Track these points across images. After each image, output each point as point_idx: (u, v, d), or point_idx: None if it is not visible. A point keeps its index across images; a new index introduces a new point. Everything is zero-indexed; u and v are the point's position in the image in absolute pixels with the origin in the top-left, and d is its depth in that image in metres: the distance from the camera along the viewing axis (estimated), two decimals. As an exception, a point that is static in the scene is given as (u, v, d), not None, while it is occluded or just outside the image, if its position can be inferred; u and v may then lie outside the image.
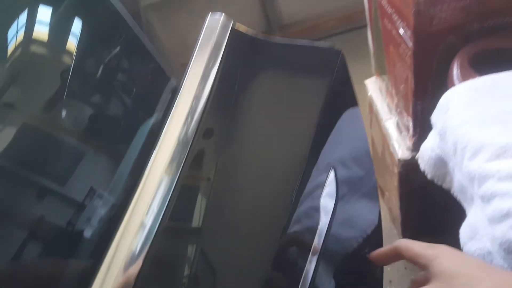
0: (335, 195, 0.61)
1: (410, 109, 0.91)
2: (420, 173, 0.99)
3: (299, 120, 0.59)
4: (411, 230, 1.15)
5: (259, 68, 0.58)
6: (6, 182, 0.38)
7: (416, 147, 0.95)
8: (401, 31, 0.83)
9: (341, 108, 0.67)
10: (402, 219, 1.12)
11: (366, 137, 0.71)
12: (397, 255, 0.46)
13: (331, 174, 0.59)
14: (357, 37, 1.39)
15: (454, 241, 0.77)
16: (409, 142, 0.97)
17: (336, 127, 0.64)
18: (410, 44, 0.80)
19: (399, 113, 1.00)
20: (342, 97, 0.65)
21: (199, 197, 0.46)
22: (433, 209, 1.08)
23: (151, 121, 0.49)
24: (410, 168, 0.99)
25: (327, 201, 0.59)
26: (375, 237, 0.71)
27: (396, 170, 1.01)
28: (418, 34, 0.78)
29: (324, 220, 0.58)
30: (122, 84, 0.53)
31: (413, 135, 0.94)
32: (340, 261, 0.63)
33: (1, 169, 0.38)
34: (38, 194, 0.39)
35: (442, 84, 0.82)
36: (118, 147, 0.47)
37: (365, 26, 1.16)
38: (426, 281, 0.41)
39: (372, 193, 0.73)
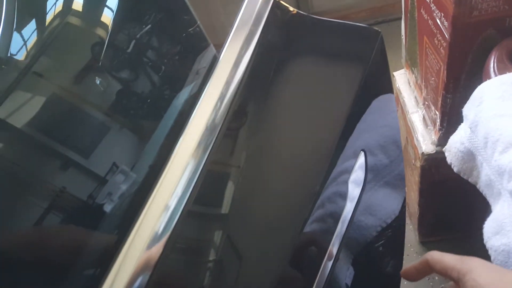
0: (362, 181, 0.60)
1: (439, 103, 0.89)
2: (442, 168, 0.98)
3: (333, 104, 0.58)
4: (427, 226, 1.14)
5: (297, 48, 0.57)
6: (32, 150, 0.39)
7: (441, 141, 0.94)
8: (439, 21, 0.81)
9: (375, 93, 0.66)
10: (420, 214, 1.11)
11: (397, 125, 0.70)
12: (427, 269, 0.45)
13: (361, 159, 0.58)
14: (387, 30, 1.37)
15: (471, 239, 0.76)
16: (434, 136, 0.96)
17: (367, 112, 0.63)
18: (447, 35, 0.79)
19: (427, 107, 0.98)
20: (378, 81, 0.64)
21: (226, 183, 0.46)
22: (452, 206, 1.07)
23: (181, 102, 0.49)
24: (433, 163, 0.97)
25: (353, 186, 0.59)
26: (395, 228, 0.70)
27: (418, 164, 1.00)
28: (456, 25, 0.76)
29: (348, 207, 0.57)
30: (155, 62, 0.53)
31: (440, 129, 0.92)
32: (359, 249, 0.62)
33: (28, 137, 0.38)
34: (63, 165, 0.39)
35: (475, 78, 0.80)
36: (147, 126, 0.47)
37: (395, 19, 1.14)
38: None
39: (396, 182, 0.72)
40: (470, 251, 0.44)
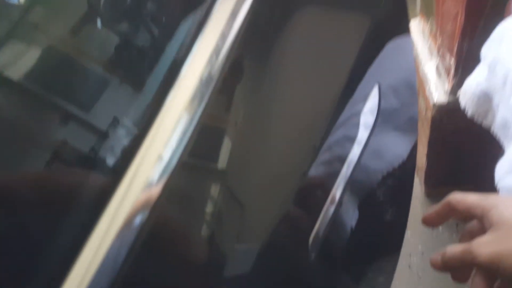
0: (372, 124, 0.58)
1: (455, 49, 0.86)
2: (453, 119, 0.96)
3: (342, 50, 0.56)
4: (434, 178, 1.13)
5: None
6: (30, 103, 0.38)
7: (454, 90, 0.92)
8: (459, -39, 0.77)
9: (390, 35, 0.63)
10: (427, 167, 1.10)
11: (413, 68, 0.68)
12: (449, 211, 0.44)
13: (372, 99, 0.56)
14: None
15: (478, 192, 0.75)
16: (447, 86, 0.94)
17: (380, 55, 0.61)
18: (467, -25, 0.75)
19: (442, 55, 0.95)
20: (394, 23, 0.61)
21: (223, 137, 0.45)
22: (461, 158, 1.06)
23: (174, 54, 0.47)
24: (444, 113, 0.95)
25: (362, 129, 0.57)
26: (402, 173, 0.70)
27: (429, 114, 0.98)
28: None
29: (355, 149, 0.56)
30: (150, 11, 0.50)
31: (454, 77, 0.90)
32: (364, 193, 0.61)
33: (25, 90, 0.37)
34: (62, 119, 0.39)
35: (494, 21, 0.77)
36: (140, 76, 0.45)
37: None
38: (480, 231, 0.40)
39: (406, 127, 0.70)
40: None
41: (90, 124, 0.40)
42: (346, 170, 0.55)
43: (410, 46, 0.68)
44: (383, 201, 0.65)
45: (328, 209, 0.52)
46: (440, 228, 1.09)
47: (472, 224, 0.44)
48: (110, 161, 0.39)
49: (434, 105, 0.96)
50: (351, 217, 0.59)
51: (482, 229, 0.40)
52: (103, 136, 0.39)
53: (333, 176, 0.53)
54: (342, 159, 0.55)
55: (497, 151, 0.69)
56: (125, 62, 0.45)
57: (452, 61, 0.89)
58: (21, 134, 0.37)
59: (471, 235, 0.43)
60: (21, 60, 0.37)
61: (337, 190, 0.53)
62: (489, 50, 0.64)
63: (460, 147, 1.01)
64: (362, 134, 0.55)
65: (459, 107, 0.84)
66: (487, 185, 0.62)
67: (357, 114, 0.58)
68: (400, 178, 0.70)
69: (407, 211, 0.69)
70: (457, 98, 0.85)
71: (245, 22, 0.45)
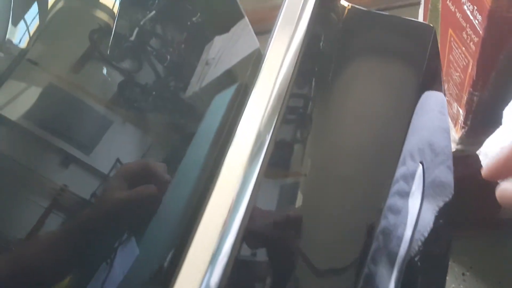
0: (419, 198, 0.56)
1: (464, 100, 0.85)
2: (461, 167, 0.95)
3: (393, 106, 0.54)
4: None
5: (349, 42, 0.52)
6: (27, 144, 0.35)
7: (463, 140, 0.90)
8: (470, 14, 0.76)
9: (427, 93, 0.61)
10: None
11: (434, 124, 0.65)
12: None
13: (419, 178, 0.54)
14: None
15: (478, 241, 0.72)
16: (455, 135, 0.93)
17: (414, 115, 0.59)
18: (480, 29, 0.74)
19: (448, 103, 0.94)
20: (431, 81, 0.59)
21: (295, 190, 0.42)
22: (463, 207, 1.04)
23: (225, 105, 0.43)
24: (452, 161, 0.94)
25: (410, 202, 0.55)
26: (434, 243, 0.66)
27: (435, 161, 0.97)
28: (492, 21, 0.72)
29: (408, 231, 0.53)
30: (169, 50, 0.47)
31: (462, 127, 0.89)
32: (403, 265, 0.58)
33: (23, 130, 0.35)
34: (62, 161, 0.36)
35: (506, 75, 0.77)
36: (187, 130, 0.42)
37: (407, 5, 1.10)
38: None
39: (429, 191, 0.68)
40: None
41: (94, 169, 0.36)
42: (402, 250, 0.52)
43: (435, 101, 0.66)
44: (417, 271, 0.61)
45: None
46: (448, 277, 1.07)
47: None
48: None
49: (440, 152, 0.94)
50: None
51: None
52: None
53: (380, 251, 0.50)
54: (386, 233, 0.52)
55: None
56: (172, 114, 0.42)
57: (460, 111, 0.88)
58: (18, 177, 0.34)
59: None
60: (20, 99, 0.35)
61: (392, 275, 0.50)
62: (514, 114, 0.62)
63: (465, 195, 0.99)
64: (413, 214, 0.52)
65: (467, 156, 0.83)
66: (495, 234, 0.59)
67: (397, 182, 0.55)
68: (430, 248, 0.67)
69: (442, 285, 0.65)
70: (466, 147, 0.83)
71: (294, 73, 0.43)
